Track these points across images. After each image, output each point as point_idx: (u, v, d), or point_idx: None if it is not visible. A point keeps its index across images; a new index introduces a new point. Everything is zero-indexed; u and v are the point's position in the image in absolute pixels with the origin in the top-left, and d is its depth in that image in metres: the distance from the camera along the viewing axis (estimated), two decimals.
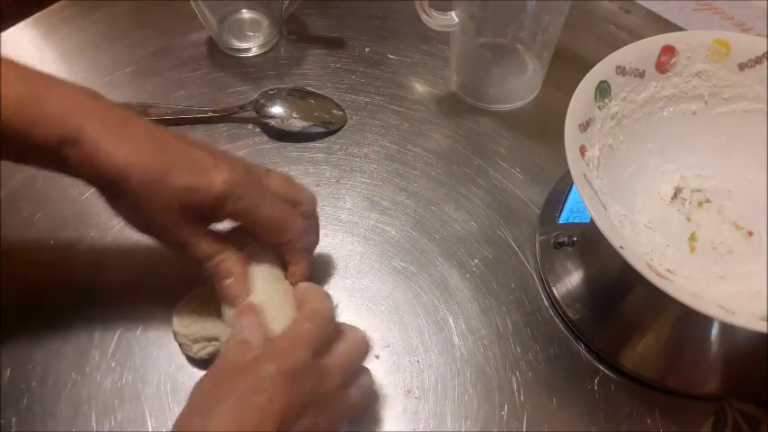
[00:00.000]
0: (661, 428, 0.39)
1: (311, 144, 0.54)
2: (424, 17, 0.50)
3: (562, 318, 0.44)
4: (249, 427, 0.28)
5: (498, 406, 0.40)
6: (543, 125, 0.54)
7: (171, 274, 0.42)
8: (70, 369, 0.41)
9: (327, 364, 0.33)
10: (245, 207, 0.35)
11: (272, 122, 0.53)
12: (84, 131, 0.32)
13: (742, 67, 0.42)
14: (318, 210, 0.49)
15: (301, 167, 0.52)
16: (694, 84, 0.43)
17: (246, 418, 0.29)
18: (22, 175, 0.50)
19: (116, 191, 0.33)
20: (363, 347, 0.36)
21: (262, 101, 0.54)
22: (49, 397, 0.40)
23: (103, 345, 0.42)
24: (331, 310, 0.36)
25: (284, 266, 0.40)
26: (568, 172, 0.35)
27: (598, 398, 0.41)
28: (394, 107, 0.56)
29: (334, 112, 0.55)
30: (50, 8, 0.64)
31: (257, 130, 0.54)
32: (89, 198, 0.49)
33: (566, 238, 0.45)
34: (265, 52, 0.60)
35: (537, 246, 0.47)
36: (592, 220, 0.33)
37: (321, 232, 0.47)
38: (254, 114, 0.54)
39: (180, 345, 0.41)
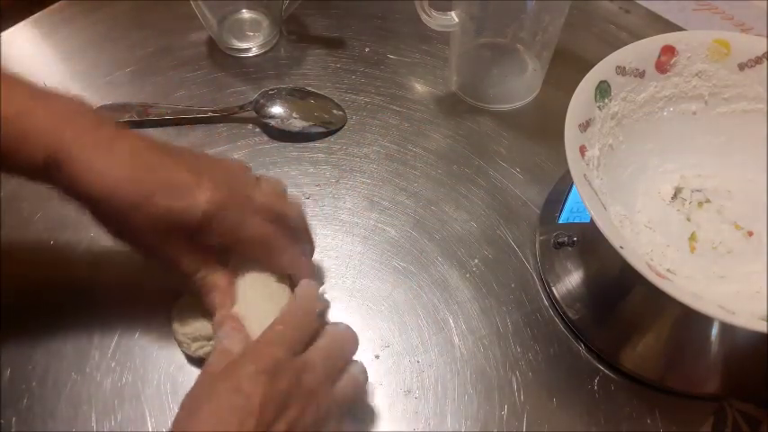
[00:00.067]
0: (661, 428, 0.39)
1: (311, 144, 0.54)
2: (424, 17, 0.50)
3: (562, 318, 0.44)
4: (230, 427, 0.29)
5: (498, 406, 0.40)
6: (543, 125, 0.54)
7: (171, 274, 0.42)
8: (70, 369, 0.41)
9: (307, 360, 0.33)
10: (229, 227, 0.36)
11: (272, 122, 0.53)
12: (67, 155, 0.32)
13: (742, 67, 0.42)
14: (318, 210, 0.49)
15: (301, 167, 0.52)
16: (694, 84, 0.43)
17: (226, 419, 0.29)
18: None
19: (101, 213, 0.34)
20: (345, 340, 0.36)
21: (262, 101, 0.54)
22: (49, 397, 0.40)
23: (103, 345, 0.42)
24: (305, 311, 0.36)
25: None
26: (568, 172, 0.35)
27: (598, 398, 0.41)
28: (394, 107, 0.56)
29: (334, 112, 0.55)
30: (50, 8, 0.64)
31: (257, 130, 0.54)
32: None
33: (566, 238, 0.45)
34: (265, 52, 0.60)
35: (537, 246, 0.47)
36: (592, 220, 0.33)
37: (321, 232, 0.48)
38: (254, 114, 0.54)
39: (179, 343, 0.41)
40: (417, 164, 0.52)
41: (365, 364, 0.37)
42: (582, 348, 0.42)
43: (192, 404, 0.31)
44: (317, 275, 0.45)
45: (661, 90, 0.42)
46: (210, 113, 0.54)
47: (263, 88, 0.56)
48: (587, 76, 0.39)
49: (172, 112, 0.54)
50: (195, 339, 0.40)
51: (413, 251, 0.47)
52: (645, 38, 0.42)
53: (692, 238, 0.42)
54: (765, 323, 0.30)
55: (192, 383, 0.40)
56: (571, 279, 0.44)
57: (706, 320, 0.39)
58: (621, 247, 0.32)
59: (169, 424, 0.39)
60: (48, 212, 0.48)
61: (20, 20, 0.63)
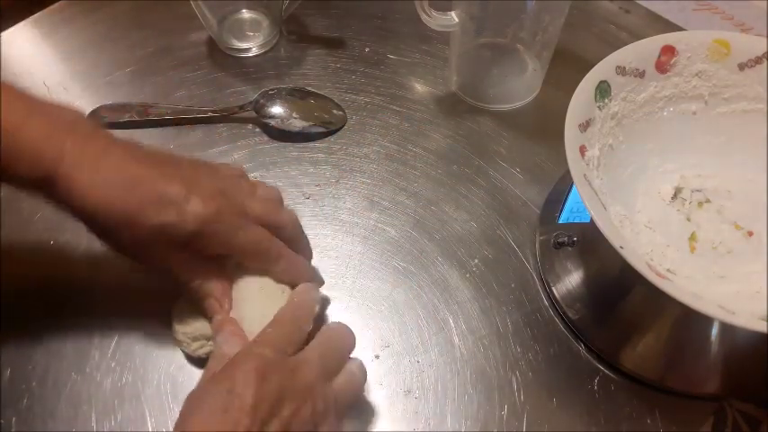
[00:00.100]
0: (661, 428, 0.39)
1: (311, 144, 0.54)
2: (424, 17, 0.50)
3: (562, 318, 0.44)
4: (225, 427, 0.29)
5: (498, 406, 0.40)
6: (543, 125, 0.54)
7: (170, 279, 0.42)
8: (70, 369, 0.41)
9: (302, 358, 0.33)
10: (221, 239, 0.36)
11: (272, 122, 0.53)
12: (60, 172, 0.32)
13: (742, 67, 0.42)
14: (318, 210, 0.49)
15: (301, 167, 0.52)
16: (694, 84, 0.43)
17: (220, 420, 0.30)
18: None
19: (95, 227, 0.35)
20: (341, 338, 0.36)
21: (262, 101, 0.54)
22: (49, 397, 0.40)
23: (103, 345, 0.42)
24: (299, 312, 0.36)
25: None
26: (568, 172, 0.35)
27: (598, 398, 0.41)
28: (394, 107, 0.56)
29: (334, 112, 0.55)
30: (50, 8, 0.64)
31: (257, 130, 0.54)
32: None
33: (566, 238, 0.45)
34: (265, 52, 0.60)
35: (537, 246, 0.47)
36: (592, 220, 0.33)
37: (321, 232, 0.48)
38: (254, 114, 0.54)
39: (178, 343, 0.41)
40: (417, 164, 0.52)
41: (365, 364, 0.37)
42: (582, 348, 0.42)
43: (188, 407, 0.31)
44: (317, 276, 0.45)
45: (661, 90, 0.42)
46: (210, 113, 0.54)
47: (263, 88, 0.56)
48: (587, 76, 0.39)
49: (172, 112, 0.54)
50: (195, 339, 0.40)
51: (413, 251, 0.47)
52: (645, 38, 0.42)
53: (692, 238, 0.42)
54: (765, 323, 0.30)
55: (192, 383, 0.40)
56: (571, 279, 0.44)
57: (706, 320, 0.39)
58: (621, 247, 0.32)
59: (169, 424, 0.39)
60: (48, 213, 0.48)
61: (20, 20, 0.63)
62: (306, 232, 0.43)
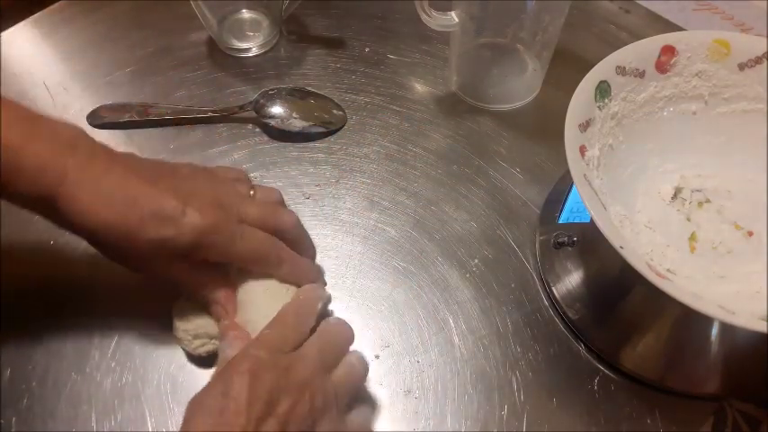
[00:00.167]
0: (661, 428, 0.39)
1: (311, 144, 0.54)
2: (424, 17, 0.50)
3: (562, 318, 0.44)
4: (222, 428, 0.30)
5: (498, 406, 0.40)
6: (543, 125, 0.54)
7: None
8: (70, 369, 0.41)
9: (298, 355, 0.34)
10: (220, 249, 0.37)
11: (272, 122, 0.53)
12: (59, 191, 0.33)
13: (742, 67, 0.42)
14: (318, 210, 0.49)
15: (301, 167, 0.52)
16: (694, 84, 0.43)
17: (217, 421, 0.30)
18: None
19: (96, 244, 0.36)
20: (339, 332, 0.37)
21: (262, 101, 0.54)
22: (49, 397, 0.40)
23: (103, 345, 0.42)
24: (297, 312, 0.37)
25: None
26: (568, 172, 0.35)
27: (598, 398, 0.41)
28: (394, 107, 0.56)
29: (334, 112, 0.55)
30: (50, 8, 0.64)
31: (257, 130, 0.54)
32: None
33: (566, 238, 0.45)
34: (265, 52, 0.60)
35: (537, 246, 0.47)
36: (592, 220, 0.33)
37: (321, 232, 0.48)
38: (254, 114, 0.54)
39: (179, 340, 0.40)
40: (417, 164, 0.52)
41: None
42: (582, 348, 0.42)
43: (189, 412, 0.32)
44: (321, 275, 0.45)
45: (661, 90, 0.42)
46: (210, 113, 0.54)
47: (263, 88, 0.56)
48: (587, 76, 0.39)
49: (172, 112, 0.54)
50: (197, 336, 0.40)
51: (413, 251, 0.47)
52: (645, 38, 0.42)
53: (692, 238, 0.42)
54: (765, 323, 0.30)
55: (192, 383, 0.40)
56: (571, 279, 0.44)
57: (706, 320, 0.39)
58: (621, 247, 0.32)
59: (169, 424, 0.39)
60: None
61: (20, 20, 0.63)
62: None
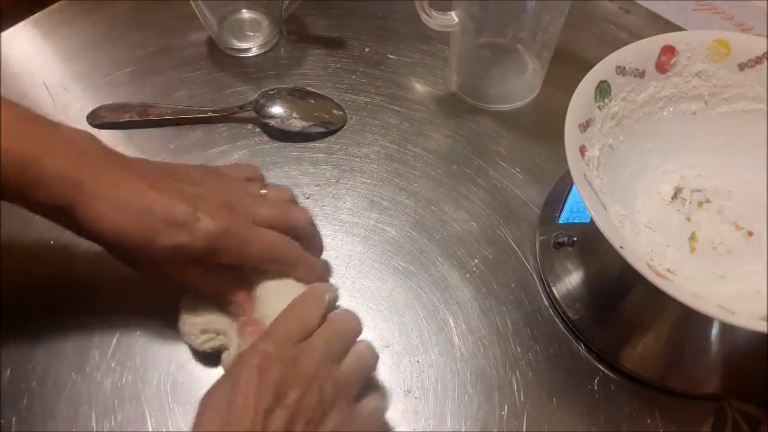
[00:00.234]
0: (661, 428, 0.39)
1: (311, 144, 0.54)
2: (424, 17, 0.50)
3: (562, 318, 0.44)
4: (232, 422, 0.30)
5: (498, 406, 0.40)
6: (543, 125, 0.54)
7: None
8: (70, 369, 0.41)
9: (305, 346, 0.34)
10: (234, 251, 0.37)
11: (272, 122, 0.53)
12: (77, 201, 0.34)
13: (742, 67, 0.42)
14: (318, 210, 0.49)
15: (301, 167, 0.52)
16: (694, 84, 0.43)
17: (226, 416, 0.31)
18: None
19: (111, 252, 0.37)
20: (346, 322, 0.37)
21: (262, 101, 0.54)
22: (49, 397, 0.40)
23: (103, 344, 0.42)
24: (304, 307, 0.37)
25: None
26: (568, 172, 0.35)
27: (598, 398, 0.41)
28: (394, 107, 0.56)
29: (334, 112, 0.55)
30: (50, 8, 0.64)
31: (257, 130, 0.54)
32: None
33: (566, 238, 0.45)
34: (265, 52, 0.60)
35: (537, 246, 0.47)
36: (592, 220, 0.33)
37: (322, 232, 0.48)
38: (254, 114, 0.54)
39: (184, 334, 0.40)
40: (417, 164, 0.52)
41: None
42: (582, 348, 0.42)
43: (200, 409, 0.32)
44: (329, 272, 0.45)
45: (661, 90, 0.42)
46: (210, 113, 0.54)
47: (263, 88, 0.56)
48: (587, 76, 0.39)
49: (172, 112, 0.54)
50: (204, 331, 0.39)
51: (413, 251, 0.47)
52: (645, 38, 0.42)
53: (692, 238, 0.42)
54: (765, 323, 0.30)
55: (192, 383, 0.40)
56: (571, 279, 0.44)
57: (706, 320, 0.39)
58: (621, 247, 0.32)
59: (169, 424, 0.40)
60: None
61: (20, 20, 0.63)
62: None
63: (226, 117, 0.54)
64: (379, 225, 0.49)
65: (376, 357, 0.37)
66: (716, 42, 0.42)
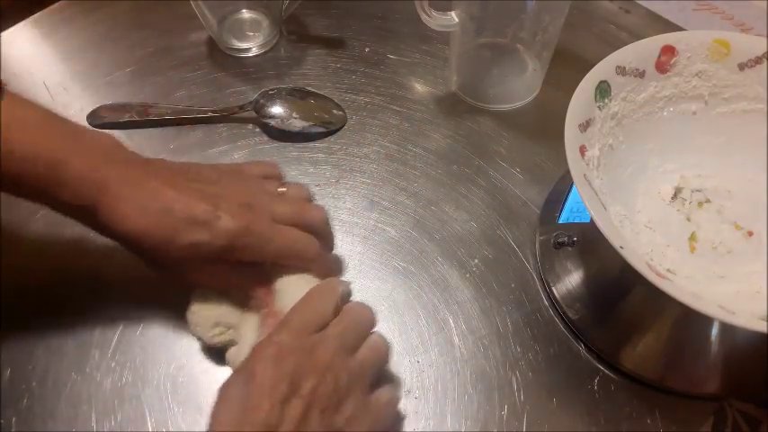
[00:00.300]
0: (661, 428, 0.39)
1: (311, 144, 0.54)
2: (424, 17, 0.50)
3: (562, 318, 0.44)
4: (249, 411, 0.31)
5: (498, 406, 0.40)
6: (543, 125, 0.54)
7: None
8: (70, 369, 0.41)
9: (320, 337, 0.34)
10: (254, 249, 0.38)
11: (272, 122, 0.53)
12: (100, 201, 0.35)
13: (742, 67, 0.42)
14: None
15: (301, 167, 0.52)
16: (694, 84, 0.43)
17: (243, 405, 0.31)
18: None
19: (132, 250, 0.37)
20: (359, 314, 0.37)
21: (262, 101, 0.54)
22: (49, 397, 0.40)
23: (103, 344, 0.42)
24: (318, 299, 0.37)
25: None
26: (568, 172, 0.35)
27: (598, 398, 0.41)
28: (394, 107, 0.56)
29: (334, 112, 0.55)
30: (50, 8, 0.64)
31: (257, 130, 0.54)
32: None
33: (566, 238, 0.45)
34: (265, 52, 0.60)
35: (537, 246, 0.47)
36: (592, 220, 0.33)
37: None
38: (254, 114, 0.54)
39: (194, 325, 0.40)
40: (417, 164, 0.52)
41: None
42: (582, 348, 0.42)
43: (217, 400, 0.33)
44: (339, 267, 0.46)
45: (661, 90, 0.42)
46: (210, 113, 0.54)
47: (263, 88, 0.56)
48: (587, 76, 0.39)
49: (172, 112, 0.54)
50: (216, 324, 0.39)
51: (413, 251, 0.47)
52: (645, 38, 0.42)
53: (692, 238, 0.42)
54: (765, 323, 0.30)
55: (192, 383, 0.40)
56: (571, 279, 0.44)
57: (706, 320, 0.39)
58: (621, 247, 0.32)
59: (169, 424, 0.40)
60: (48, 212, 0.48)
61: (20, 20, 0.63)
62: None
63: (226, 117, 0.54)
64: (379, 225, 0.49)
65: (389, 349, 0.38)
66: (716, 42, 0.42)
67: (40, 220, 0.48)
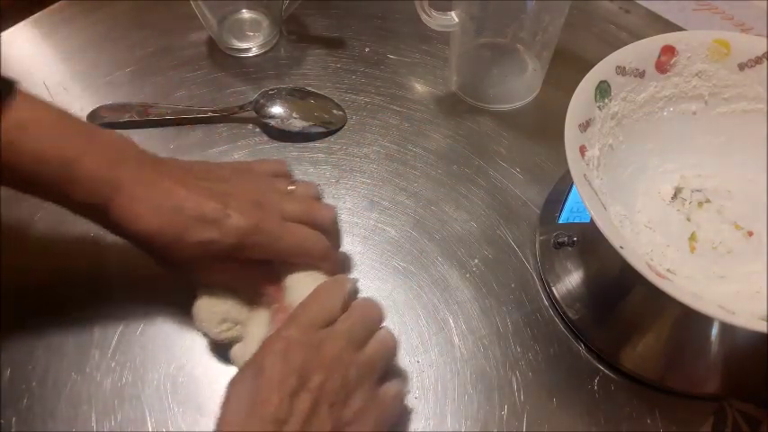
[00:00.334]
0: (661, 428, 0.39)
1: (311, 144, 0.54)
2: (424, 17, 0.50)
3: (562, 318, 0.44)
4: (258, 405, 0.31)
5: (498, 406, 0.40)
6: (543, 125, 0.54)
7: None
8: (70, 369, 0.41)
9: (329, 332, 0.35)
10: (263, 247, 0.38)
11: (272, 122, 0.53)
12: (113, 200, 0.35)
13: (742, 67, 0.42)
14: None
15: (301, 167, 0.52)
16: (694, 84, 0.43)
17: (252, 399, 0.32)
18: None
19: (143, 249, 0.37)
20: (368, 310, 0.37)
21: (262, 101, 0.54)
22: (49, 397, 0.40)
23: (103, 344, 0.42)
24: (326, 295, 0.37)
25: None
26: (568, 172, 0.35)
27: (598, 398, 0.41)
28: (394, 107, 0.56)
29: (334, 112, 0.55)
30: (50, 8, 0.64)
31: (257, 130, 0.54)
32: None
33: (566, 238, 0.45)
34: (265, 52, 0.60)
35: (537, 246, 0.47)
36: (592, 220, 0.33)
37: None
38: (254, 114, 0.54)
39: (202, 321, 0.39)
40: (417, 164, 0.52)
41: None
42: (582, 348, 0.42)
43: (226, 394, 0.33)
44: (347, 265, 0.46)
45: (661, 90, 0.42)
46: (210, 113, 0.54)
47: (263, 88, 0.56)
48: (587, 76, 0.39)
49: (172, 112, 0.54)
50: (223, 320, 0.39)
51: (413, 251, 0.47)
52: (645, 38, 0.42)
53: (692, 238, 0.42)
54: (765, 323, 0.30)
55: (192, 383, 0.40)
56: (571, 279, 0.44)
57: (706, 320, 0.39)
58: (621, 247, 0.32)
59: (169, 424, 0.40)
60: (48, 212, 0.48)
61: (20, 20, 0.63)
62: None
63: (226, 117, 0.54)
64: (379, 225, 0.49)
65: (397, 344, 0.38)
66: (716, 42, 0.42)
67: (40, 221, 0.48)
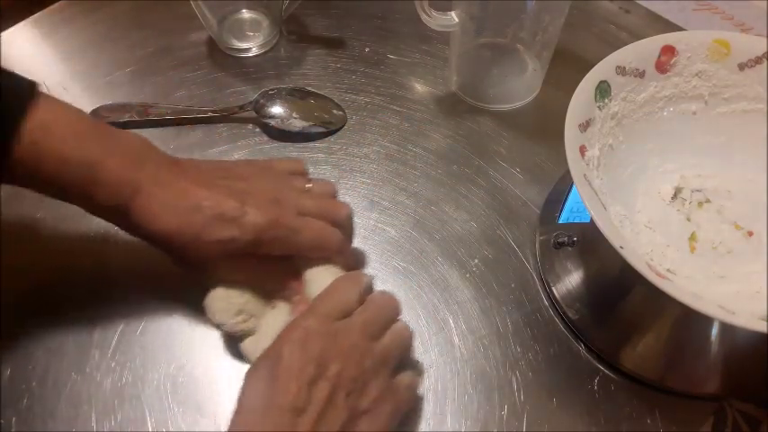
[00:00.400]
0: (661, 428, 0.39)
1: (311, 144, 0.54)
2: (424, 17, 0.50)
3: (562, 318, 0.44)
4: (277, 392, 0.32)
5: (498, 406, 0.40)
6: (543, 125, 0.54)
7: (173, 274, 0.42)
8: (70, 369, 0.41)
9: (346, 323, 0.35)
10: (281, 243, 0.38)
11: (272, 122, 0.53)
12: (134, 201, 0.36)
13: (742, 67, 0.42)
14: None
15: None
16: (694, 84, 0.43)
17: (272, 386, 0.32)
18: None
19: (161, 248, 0.37)
20: (385, 302, 0.38)
21: (262, 101, 0.54)
22: (49, 397, 0.40)
23: (103, 344, 0.42)
24: (343, 287, 0.38)
25: None
26: (568, 172, 0.35)
27: (598, 398, 0.41)
28: (394, 107, 0.56)
29: (334, 112, 0.55)
30: (50, 8, 0.64)
31: (257, 130, 0.54)
32: None
33: (566, 238, 0.45)
34: (265, 52, 0.60)
35: (537, 246, 0.47)
36: (592, 220, 0.33)
37: None
38: (254, 114, 0.54)
39: (217, 311, 0.39)
40: (417, 164, 0.52)
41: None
42: (582, 348, 0.42)
43: (245, 383, 0.33)
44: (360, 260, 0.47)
45: (661, 90, 0.42)
46: (210, 113, 0.54)
47: (263, 88, 0.56)
48: (587, 76, 0.39)
49: (172, 112, 0.54)
50: (240, 312, 0.39)
51: (413, 251, 0.47)
52: (645, 38, 0.42)
53: (692, 238, 0.42)
54: (765, 323, 0.30)
55: (192, 383, 0.40)
56: (571, 279, 0.44)
57: (706, 320, 0.39)
58: (621, 247, 0.32)
59: (169, 424, 0.40)
60: (48, 212, 0.48)
61: (20, 20, 0.63)
62: None
63: (226, 117, 0.54)
64: (379, 225, 0.49)
65: (412, 337, 0.39)
66: (716, 42, 0.42)
67: (41, 221, 0.48)
